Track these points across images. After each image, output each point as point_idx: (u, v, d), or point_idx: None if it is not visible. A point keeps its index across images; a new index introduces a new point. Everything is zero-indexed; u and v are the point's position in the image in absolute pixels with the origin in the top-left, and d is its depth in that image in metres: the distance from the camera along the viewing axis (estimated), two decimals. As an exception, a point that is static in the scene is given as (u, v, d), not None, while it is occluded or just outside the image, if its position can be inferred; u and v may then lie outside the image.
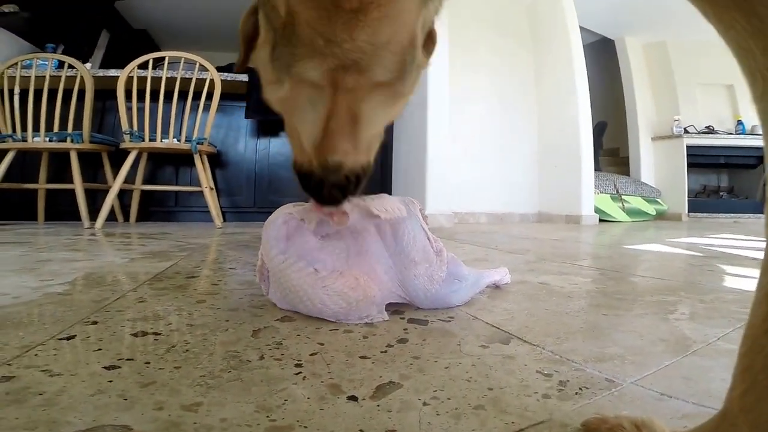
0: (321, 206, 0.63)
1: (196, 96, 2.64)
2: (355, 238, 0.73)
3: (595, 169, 4.00)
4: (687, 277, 1.22)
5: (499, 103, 4.11)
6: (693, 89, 5.54)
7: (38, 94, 2.43)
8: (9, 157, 2.42)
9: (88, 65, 2.74)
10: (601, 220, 3.98)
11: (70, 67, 2.54)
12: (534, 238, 2.37)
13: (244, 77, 2.91)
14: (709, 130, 5.34)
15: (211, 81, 2.63)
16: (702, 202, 5.44)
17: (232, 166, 3.27)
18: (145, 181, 2.80)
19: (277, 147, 3.34)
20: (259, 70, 0.52)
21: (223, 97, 2.75)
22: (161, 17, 5.35)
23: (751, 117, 5.26)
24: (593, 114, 3.97)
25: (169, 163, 3.08)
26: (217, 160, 3.19)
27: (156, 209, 3.05)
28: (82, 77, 2.52)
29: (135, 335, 0.59)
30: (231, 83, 2.91)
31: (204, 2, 5.05)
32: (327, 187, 0.55)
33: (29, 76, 2.44)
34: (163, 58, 2.60)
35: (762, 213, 5.06)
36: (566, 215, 3.84)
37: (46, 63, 2.58)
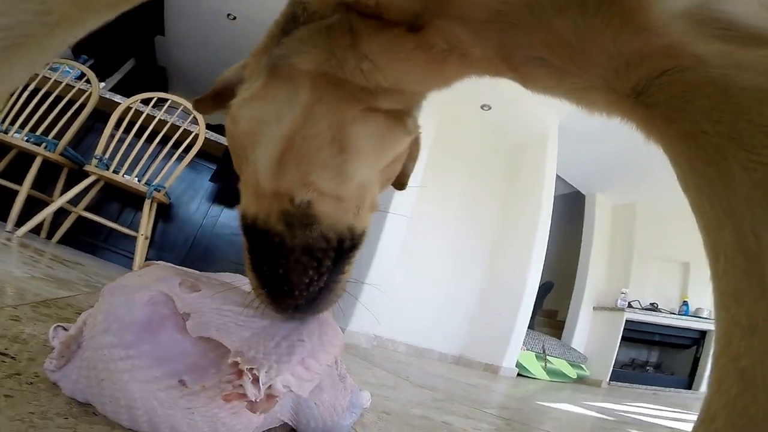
0: (271, 301, 0.43)
1: (176, 144, 2.69)
2: (249, 341, 0.51)
3: (529, 327, 4.07)
4: None
5: (453, 238, 4.17)
6: (649, 261, 5.66)
7: (46, 96, 2.51)
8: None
9: (102, 84, 2.83)
10: (519, 375, 3.95)
11: (87, 81, 2.64)
12: (448, 378, 2.33)
13: (225, 140, 3.00)
14: (653, 308, 5.46)
15: (196, 135, 2.72)
16: (627, 373, 5.45)
17: (176, 222, 3.23)
18: (88, 208, 2.70)
19: (227, 219, 3.35)
20: (240, 86, 0.43)
21: (199, 154, 2.81)
22: (184, 60, 5.70)
23: (697, 299, 5.40)
24: (543, 272, 4.07)
25: (118, 199, 3.02)
26: (165, 212, 3.15)
27: (84, 238, 2.91)
28: (90, 94, 2.61)
29: (-14, 350, 0.53)
30: (212, 143, 3.00)
31: (226, 61, 5.41)
32: (292, 251, 0.38)
33: (49, 78, 2.55)
34: (165, 100, 2.72)
35: (684, 389, 5.15)
36: (485, 363, 3.78)
37: (71, 71, 2.72)
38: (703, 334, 5.36)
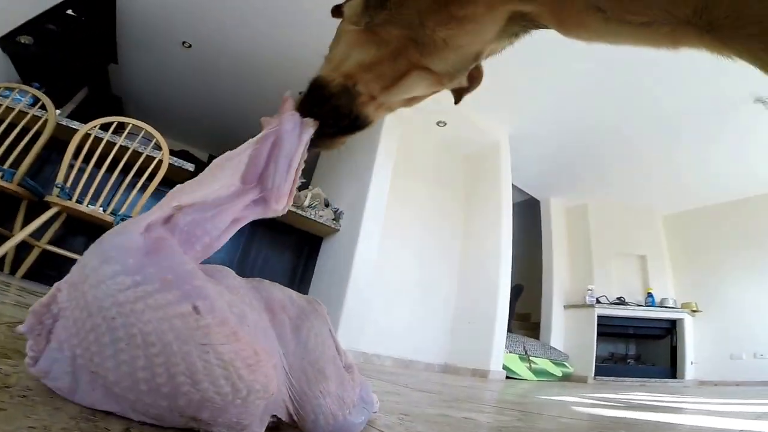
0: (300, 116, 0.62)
1: (139, 172, 2.67)
2: (248, 306, 0.51)
3: (507, 331, 4.13)
4: (615, 420, 1.22)
5: (424, 253, 4.30)
6: (608, 258, 5.93)
7: (-3, 124, 2.39)
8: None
9: (58, 112, 2.72)
10: (507, 377, 4.00)
11: (42, 108, 2.57)
12: (443, 383, 2.34)
13: (191, 166, 3.03)
14: (620, 302, 5.62)
15: (159, 162, 2.68)
16: (609, 367, 5.52)
17: (146, 251, 3.15)
18: (52, 242, 2.65)
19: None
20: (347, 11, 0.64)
21: (163, 181, 2.75)
22: (139, 89, 5.65)
23: (660, 290, 5.65)
24: (512, 276, 4.20)
25: (83, 232, 2.96)
26: (135, 241, 3.08)
27: (49, 272, 2.79)
28: (46, 120, 2.52)
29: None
30: (176, 170, 3.00)
31: (182, 89, 5.47)
32: (329, 103, 0.60)
33: (0, 105, 2.43)
34: (125, 125, 2.68)
35: (666, 378, 5.24)
36: (473, 369, 3.81)
37: (22, 98, 2.60)
38: (673, 323, 5.50)
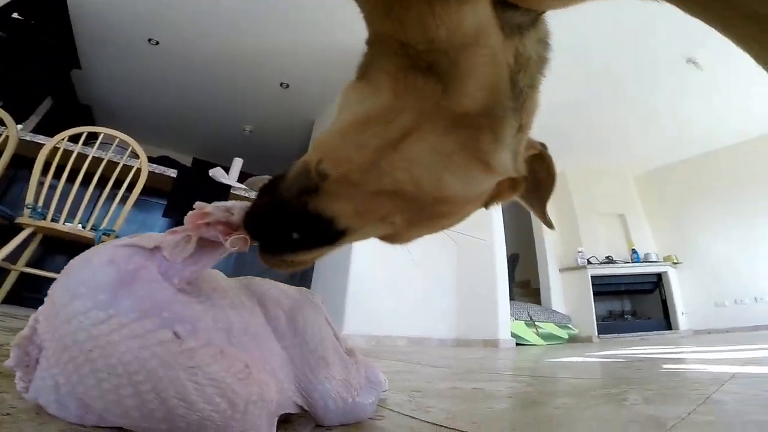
0: (248, 232, 0.43)
1: (117, 183, 2.49)
2: (238, 312, 0.49)
3: (510, 299, 4.21)
4: (621, 375, 1.24)
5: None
6: (592, 219, 6.20)
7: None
8: None
9: (20, 127, 2.48)
10: (517, 344, 4.10)
11: (1, 124, 2.32)
12: (456, 357, 2.36)
13: (173, 172, 2.87)
14: (609, 260, 5.89)
15: (138, 170, 2.51)
16: (610, 324, 5.76)
17: (136, 264, 3.00)
18: (30, 264, 2.45)
19: (188, 252, 3.18)
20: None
21: (145, 190, 2.58)
22: (108, 95, 5.31)
23: (641, 245, 5.96)
24: (507, 246, 4.31)
25: (63, 251, 2.77)
26: (122, 255, 2.93)
27: (32, 296, 2.63)
28: (7, 137, 2.28)
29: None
30: (157, 177, 2.83)
31: (154, 91, 5.18)
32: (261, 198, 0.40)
33: None
34: (97, 135, 2.49)
35: (662, 330, 5.55)
36: (484, 339, 3.89)
37: None
38: (659, 276, 5.77)
